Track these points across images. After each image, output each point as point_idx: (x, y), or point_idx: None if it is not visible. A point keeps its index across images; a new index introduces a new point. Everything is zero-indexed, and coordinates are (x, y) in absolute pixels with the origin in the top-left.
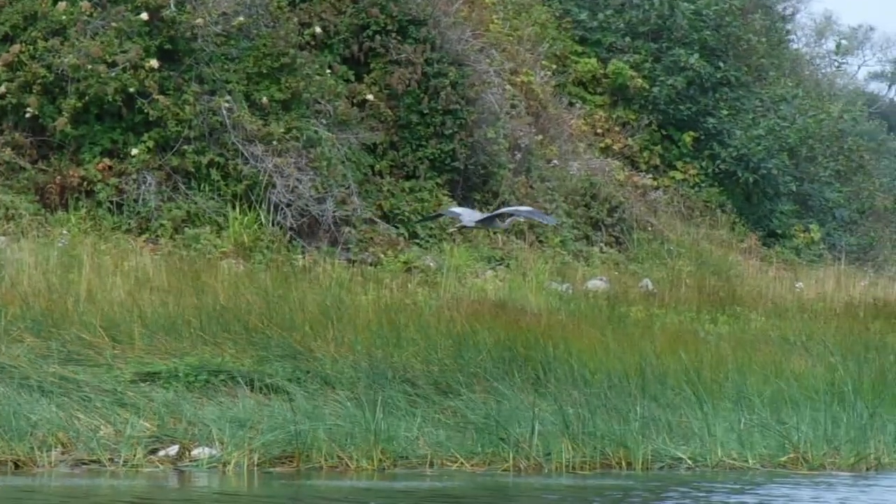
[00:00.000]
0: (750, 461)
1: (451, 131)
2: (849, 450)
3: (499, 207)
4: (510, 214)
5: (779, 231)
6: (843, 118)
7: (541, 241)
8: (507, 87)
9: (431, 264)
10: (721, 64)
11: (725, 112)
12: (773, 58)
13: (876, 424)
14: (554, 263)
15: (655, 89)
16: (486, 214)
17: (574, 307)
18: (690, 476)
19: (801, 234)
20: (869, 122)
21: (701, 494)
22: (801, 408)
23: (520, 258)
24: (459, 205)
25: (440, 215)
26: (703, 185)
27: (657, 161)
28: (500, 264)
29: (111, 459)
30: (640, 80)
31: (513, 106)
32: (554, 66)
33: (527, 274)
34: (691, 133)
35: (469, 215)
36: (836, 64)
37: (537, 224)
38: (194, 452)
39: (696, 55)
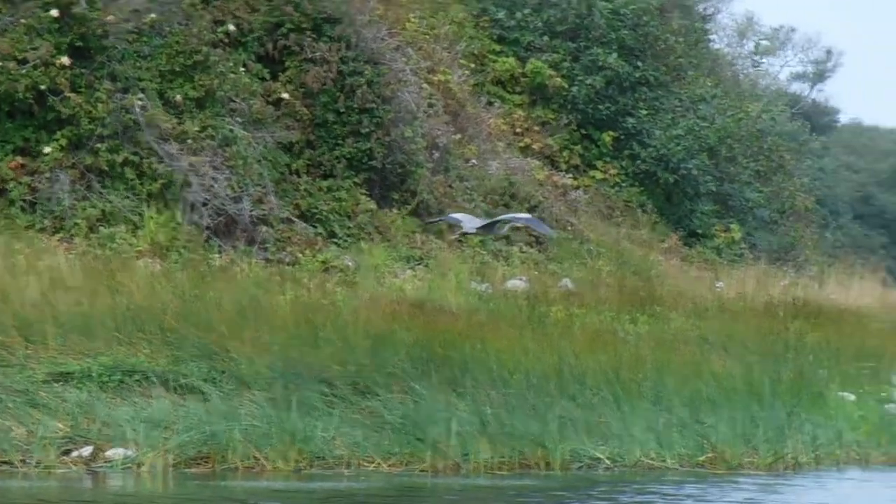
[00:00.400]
0: (668, 461)
1: (367, 130)
2: (766, 449)
3: (418, 207)
4: (508, 221)
5: (699, 231)
6: (762, 118)
7: (460, 241)
8: (425, 85)
9: (350, 264)
10: (639, 63)
11: (644, 112)
12: (691, 57)
13: (794, 424)
14: (473, 263)
15: (574, 89)
16: (486, 221)
17: (493, 307)
18: (608, 476)
19: (722, 234)
20: (791, 122)
21: (606, 493)
22: (720, 408)
23: (439, 258)
24: (378, 205)
25: (442, 220)
26: (623, 184)
27: (577, 161)
28: (420, 264)
29: (23, 461)
30: (558, 80)
31: (430, 105)
32: (472, 66)
33: (446, 274)
34: (611, 133)
35: (470, 221)
36: (755, 64)
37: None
38: (108, 453)
39: (615, 54)
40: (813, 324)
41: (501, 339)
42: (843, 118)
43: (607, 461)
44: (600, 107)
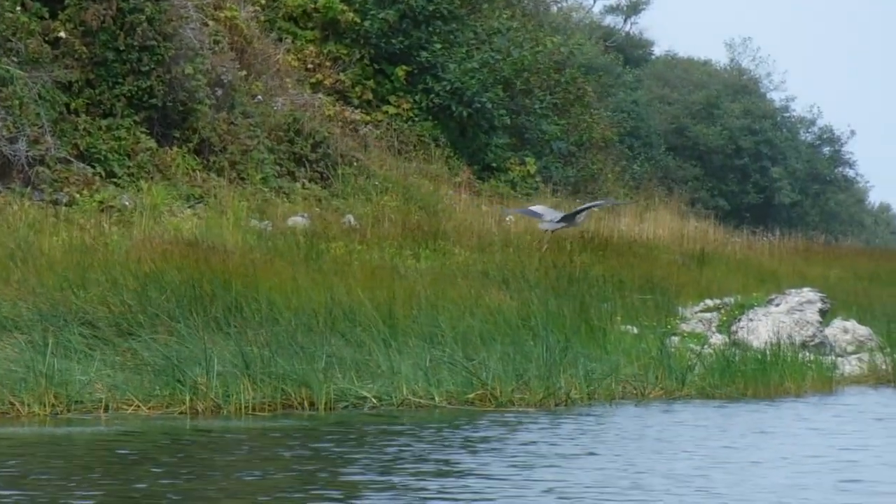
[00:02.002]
0: (436, 399)
1: (147, 68)
2: (538, 385)
3: (201, 144)
4: (588, 209)
5: (494, 164)
6: (560, 50)
7: (242, 179)
8: (211, 22)
9: (127, 203)
10: None
11: (439, 45)
12: None
13: (568, 359)
14: (255, 200)
15: (367, 23)
16: (565, 213)
17: (271, 245)
18: (373, 415)
19: (517, 168)
20: (605, 55)
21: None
22: (493, 343)
23: (219, 196)
24: (158, 143)
25: (520, 212)
26: (416, 119)
27: (370, 96)
28: (200, 202)
29: None
30: (351, 14)
31: (216, 42)
32: (263, 1)
33: (225, 212)
34: (404, 67)
35: (549, 213)
36: None
37: (239, 161)
38: None
39: None
40: (601, 256)
41: (274, 277)
42: (658, 50)
43: (374, 400)
44: (393, 41)
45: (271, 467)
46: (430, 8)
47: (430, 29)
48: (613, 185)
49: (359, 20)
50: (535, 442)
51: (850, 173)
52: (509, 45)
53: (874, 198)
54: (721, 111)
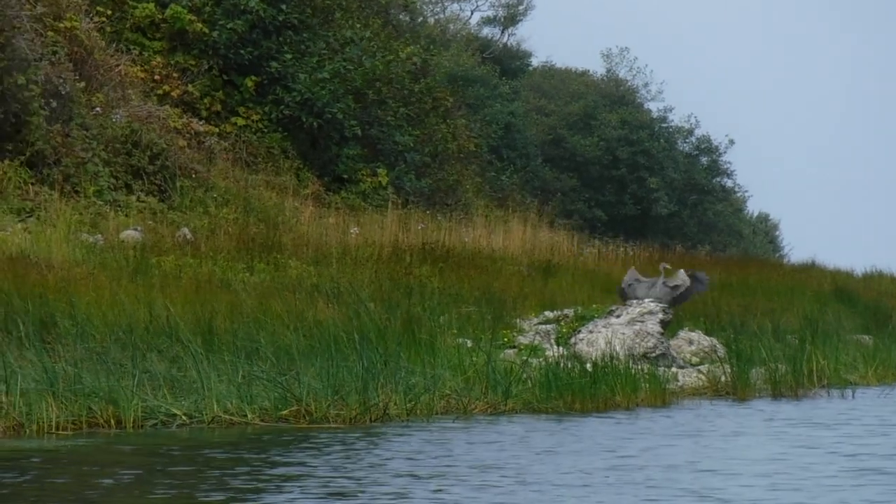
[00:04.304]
0: (249, 415)
1: None
2: (355, 401)
3: (34, 157)
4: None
5: (345, 176)
6: (414, 60)
7: (76, 192)
8: (50, 32)
9: None
10: (283, 6)
11: (289, 56)
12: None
13: (388, 373)
14: (87, 214)
15: (216, 33)
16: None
17: (100, 259)
18: (183, 433)
19: (369, 179)
20: (481, 66)
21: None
22: (312, 358)
23: (51, 209)
24: None
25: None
26: (266, 130)
27: (219, 107)
28: (31, 216)
29: None
30: (199, 25)
31: (53, 52)
32: (109, 12)
33: (55, 225)
34: (253, 78)
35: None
36: (407, 5)
37: (73, 174)
38: None
39: None
40: (440, 268)
41: (94, 292)
42: (536, 61)
43: (183, 417)
44: (242, 52)
45: None
46: (280, 18)
47: (281, 39)
48: (474, 196)
49: (207, 31)
50: (299, 463)
51: (729, 183)
52: (361, 55)
53: (752, 207)
54: (598, 122)
